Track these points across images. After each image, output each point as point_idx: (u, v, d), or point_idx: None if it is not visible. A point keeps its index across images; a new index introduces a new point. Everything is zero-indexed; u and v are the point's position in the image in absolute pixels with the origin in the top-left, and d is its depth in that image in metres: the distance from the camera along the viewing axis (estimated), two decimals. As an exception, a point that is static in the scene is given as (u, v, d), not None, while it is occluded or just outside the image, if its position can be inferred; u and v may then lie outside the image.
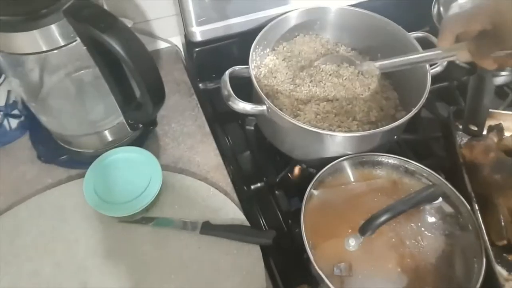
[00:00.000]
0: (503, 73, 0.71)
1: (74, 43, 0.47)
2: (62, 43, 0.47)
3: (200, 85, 0.78)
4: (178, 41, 0.81)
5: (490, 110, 0.61)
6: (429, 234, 0.50)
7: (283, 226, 0.61)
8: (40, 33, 0.45)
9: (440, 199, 0.51)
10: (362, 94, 0.65)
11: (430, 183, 0.54)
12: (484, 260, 0.48)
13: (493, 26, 0.45)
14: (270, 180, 0.65)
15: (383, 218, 0.44)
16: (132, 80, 0.53)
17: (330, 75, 0.64)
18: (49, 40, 0.46)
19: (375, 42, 0.69)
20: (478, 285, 0.46)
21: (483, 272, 0.47)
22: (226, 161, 0.66)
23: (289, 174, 0.67)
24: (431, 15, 0.75)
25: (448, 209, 0.52)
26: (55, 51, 0.47)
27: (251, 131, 0.72)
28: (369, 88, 0.65)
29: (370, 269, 0.48)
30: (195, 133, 0.68)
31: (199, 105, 0.72)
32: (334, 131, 0.59)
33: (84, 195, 0.54)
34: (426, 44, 0.64)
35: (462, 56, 0.50)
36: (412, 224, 0.50)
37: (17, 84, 0.55)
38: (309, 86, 0.64)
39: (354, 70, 0.65)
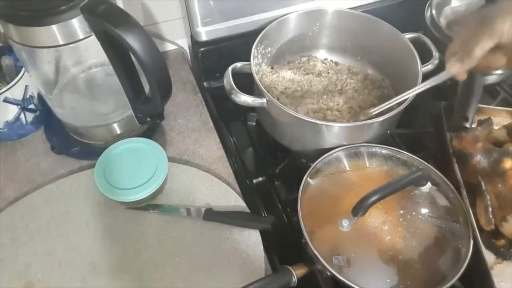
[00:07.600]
0: (494, 72, 0.74)
1: (89, 38, 0.51)
2: (78, 38, 0.51)
3: (205, 83, 0.82)
4: (184, 43, 0.85)
5: (480, 105, 0.64)
6: (420, 219, 0.53)
7: (282, 214, 0.63)
8: (58, 28, 0.49)
9: (429, 184, 0.54)
10: (359, 93, 0.69)
11: (420, 170, 0.56)
12: (472, 243, 0.50)
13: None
14: (271, 171, 0.68)
15: (373, 198, 0.46)
16: (142, 76, 0.57)
17: (328, 72, 0.67)
18: (66, 35, 0.50)
19: (370, 41, 0.73)
20: (464, 267, 0.48)
21: (469, 255, 0.49)
22: (228, 154, 0.69)
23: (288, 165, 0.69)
24: (424, 19, 0.78)
25: (438, 195, 0.55)
26: (71, 45, 0.51)
27: (253, 126, 0.75)
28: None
29: (363, 252, 0.51)
30: (199, 128, 0.72)
31: (203, 102, 0.76)
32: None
33: (95, 180, 0.57)
34: (418, 44, 0.68)
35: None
36: (403, 211, 0.53)
37: (35, 76, 0.59)
38: (309, 83, 0.68)
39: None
